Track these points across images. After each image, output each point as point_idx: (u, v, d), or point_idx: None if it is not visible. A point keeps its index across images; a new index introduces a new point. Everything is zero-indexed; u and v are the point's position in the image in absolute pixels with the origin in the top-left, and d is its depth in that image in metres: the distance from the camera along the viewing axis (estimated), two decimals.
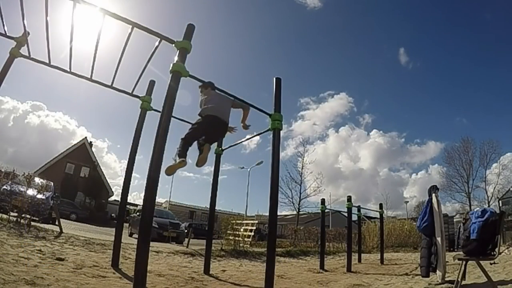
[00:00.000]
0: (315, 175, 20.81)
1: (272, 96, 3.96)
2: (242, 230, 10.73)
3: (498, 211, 3.92)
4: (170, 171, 3.09)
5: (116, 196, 27.35)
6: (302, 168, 20.26)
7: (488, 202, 23.10)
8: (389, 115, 52.48)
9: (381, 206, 10.42)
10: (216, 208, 5.41)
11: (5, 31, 3.91)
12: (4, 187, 7.08)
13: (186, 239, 9.25)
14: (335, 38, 54.68)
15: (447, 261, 4.38)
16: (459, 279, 3.39)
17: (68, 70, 4.17)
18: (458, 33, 44.84)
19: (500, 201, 25.03)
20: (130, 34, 3.12)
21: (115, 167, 49.96)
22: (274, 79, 3.99)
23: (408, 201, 31.67)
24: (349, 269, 6.85)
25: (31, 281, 2.78)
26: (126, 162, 4.88)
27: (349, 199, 8.27)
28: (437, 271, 4.14)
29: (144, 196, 2.56)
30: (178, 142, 3.30)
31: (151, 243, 2.74)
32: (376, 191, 46.96)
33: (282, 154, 21.64)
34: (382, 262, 8.68)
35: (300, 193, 19.76)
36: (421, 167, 56.16)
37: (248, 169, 25.96)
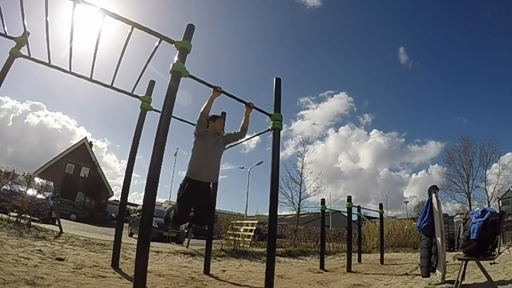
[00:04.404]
0: (315, 175, 20.78)
1: (272, 96, 3.96)
2: (242, 230, 10.73)
3: (498, 211, 3.92)
4: None
5: (116, 196, 27.36)
6: (302, 168, 20.22)
7: (488, 202, 23.13)
8: (389, 115, 52.49)
9: (381, 206, 10.42)
10: (216, 208, 5.41)
11: (5, 31, 3.91)
12: (4, 187, 7.08)
13: (186, 239, 9.26)
14: (335, 37, 54.71)
15: (447, 261, 4.39)
16: (459, 279, 3.39)
17: (68, 70, 4.17)
18: (458, 32, 44.86)
19: (500, 201, 25.04)
20: (130, 34, 3.12)
21: (115, 167, 49.90)
22: (274, 79, 3.99)
23: (408, 201, 31.70)
24: (349, 269, 6.85)
25: (31, 281, 2.77)
26: (126, 162, 4.88)
27: (349, 199, 8.27)
28: (437, 271, 4.14)
29: (144, 196, 2.56)
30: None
31: (151, 243, 2.74)
32: (376, 191, 47.02)
33: (282, 154, 21.53)
34: (382, 262, 8.68)
35: (300, 193, 19.72)
36: (421, 167, 56.11)
37: (248, 169, 25.99)
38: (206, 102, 3.27)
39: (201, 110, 3.25)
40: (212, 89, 3.29)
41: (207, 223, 3.40)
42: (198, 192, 3.16)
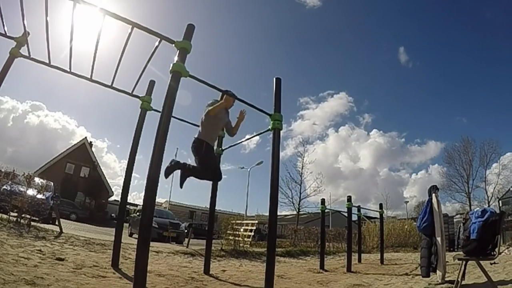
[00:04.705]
0: (315, 175, 20.83)
1: (272, 96, 3.96)
2: (242, 230, 10.73)
3: (498, 211, 3.92)
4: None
5: (116, 196, 27.39)
6: (302, 168, 20.26)
7: (488, 202, 23.14)
8: (389, 115, 52.56)
9: (381, 206, 10.42)
10: (216, 208, 5.40)
11: (5, 31, 3.91)
12: (4, 187, 7.08)
13: (186, 239, 9.26)
14: (335, 37, 54.75)
15: (447, 261, 4.38)
16: (459, 279, 3.39)
17: (68, 70, 4.17)
18: (458, 32, 44.94)
19: (500, 201, 25.05)
20: (130, 34, 3.12)
21: (115, 167, 50.03)
22: (274, 79, 3.99)
23: (408, 201, 31.78)
24: (349, 269, 6.85)
25: (31, 281, 2.78)
26: (126, 162, 4.88)
27: (349, 199, 8.27)
28: (437, 271, 4.14)
29: (144, 196, 2.56)
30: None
31: (151, 243, 2.74)
32: (376, 191, 47.12)
33: (282, 154, 21.48)
34: (382, 262, 8.68)
35: (300, 193, 19.75)
36: (421, 167, 56.20)
37: (248, 169, 26.00)
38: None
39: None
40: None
41: (221, 177, 4.01)
42: (212, 151, 3.70)
